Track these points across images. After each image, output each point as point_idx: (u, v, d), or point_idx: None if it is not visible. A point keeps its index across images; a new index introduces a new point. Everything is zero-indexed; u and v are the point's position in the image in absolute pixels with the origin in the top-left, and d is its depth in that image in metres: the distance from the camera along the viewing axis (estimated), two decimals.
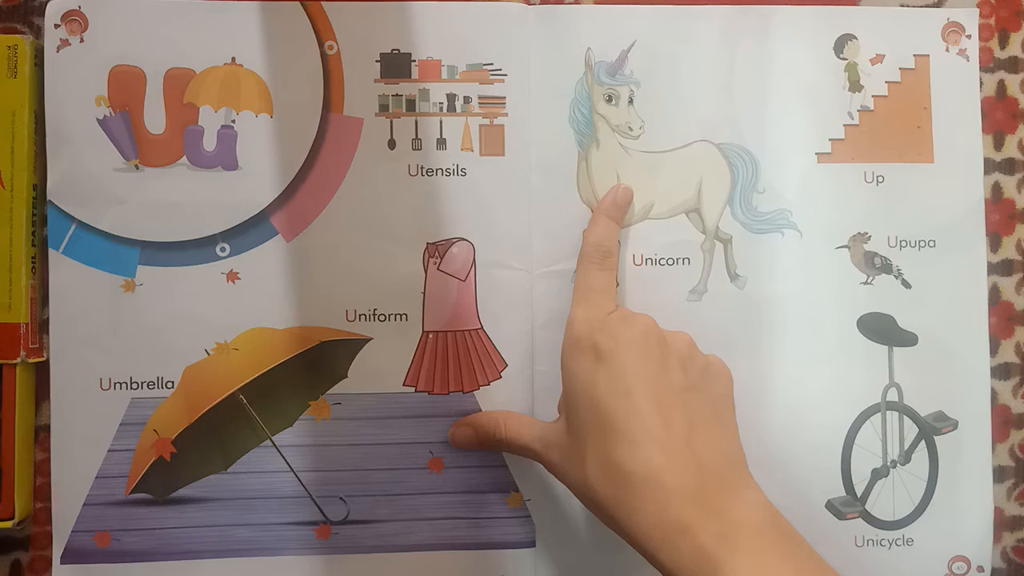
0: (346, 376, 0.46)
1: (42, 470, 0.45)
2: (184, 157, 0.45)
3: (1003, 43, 0.48)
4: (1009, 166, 0.48)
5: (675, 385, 0.40)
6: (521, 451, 0.43)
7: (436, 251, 0.46)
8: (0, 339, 0.43)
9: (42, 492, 0.45)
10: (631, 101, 0.46)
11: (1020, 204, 0.49)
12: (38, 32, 0.45)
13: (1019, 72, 0.49)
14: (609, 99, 0.46)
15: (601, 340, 0.40)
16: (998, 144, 0.48)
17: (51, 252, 0.45)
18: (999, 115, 0.48)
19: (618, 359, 0.39)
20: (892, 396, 0.47)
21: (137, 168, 0.45)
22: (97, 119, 0.45)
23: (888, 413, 0.47)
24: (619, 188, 0.46)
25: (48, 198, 0.45)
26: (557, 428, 0.41)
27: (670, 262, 0.47)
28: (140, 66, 0.45)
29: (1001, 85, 0.48)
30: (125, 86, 0.45)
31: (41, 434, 0.45)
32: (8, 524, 0.43)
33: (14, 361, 0.43)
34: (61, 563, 0.44)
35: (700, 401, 0.40)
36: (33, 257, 0.44)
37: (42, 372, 0.45)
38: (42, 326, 0.45)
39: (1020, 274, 0.48)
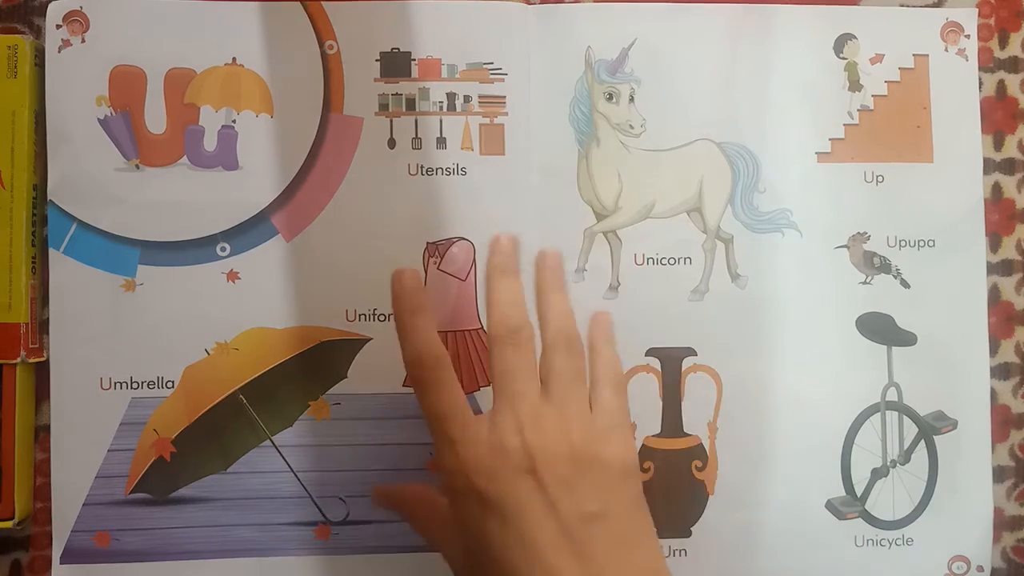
0: (346, 376, 0.46)
1: (42, 470, 0.45)
2: (185, 157, 0.45)
3: (1003, 43, 0.48)
4: (1009, 166, 0.48)
5: (568, 520, 0.36)
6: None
7: (436, 251, 0.46)
8: (0, 339, 0.43)
9: (42, 492, 0.45)
10: (632, 99, 0.46)
11: (1020, 204, 0.49)
12: (38, 32, 0.45)
13: (1019, 72, 0.49)
14: (610, 97, 0.46)
15: (483, 484, 0.36)
16: (998, 144, 0.48)
17: (51, 252, 0.45)
18: (999, 115, 0.48)
19: (503, 507, 0.36)
20: (892, 396, 0.47)
21: (138, 168, 0.45)
22: (98, 119, 0.45)
23: (888, 413, 0.47)
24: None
25: (49, 198, 0.45)
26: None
27: (671, 261, 0.47)
28: (141, 66, 0.45)
29: (1001, 85, 0.48)
30: (126, 86, 0.45)
31: (41, 434, 0.45)
32: (8, 524, 0.43)
33: (14, 361, 0.43)
34: (61, 563, 0.44)
35: (599, 529, 0.36)
36: (33, 257, 0.44)
37: (42, 372, 0.45)
38: (42, 326, 0.45)
39: (1020, 274, 0.48)
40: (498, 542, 0.36)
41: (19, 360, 0.43)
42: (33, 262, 0.44)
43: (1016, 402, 0.48)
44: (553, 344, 0.39)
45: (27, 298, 0.44)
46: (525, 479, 0.36)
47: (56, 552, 0.44)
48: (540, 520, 0.35)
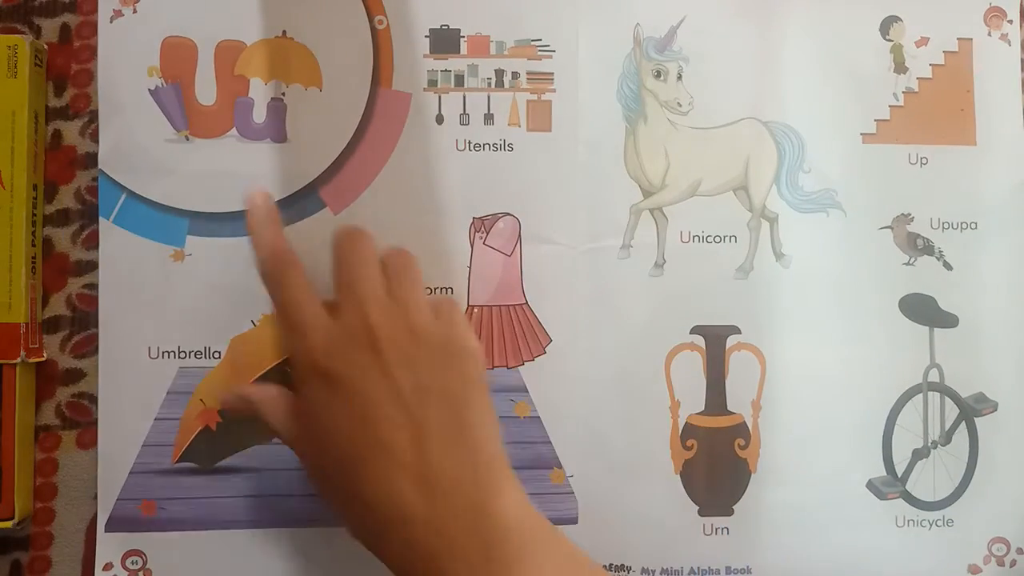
0: None
1: (42, 470, 0.45)
2: (234, 128, 0.45)
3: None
4: None
5: (404, 393, 0.37)
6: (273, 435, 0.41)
7: (482, 226, 0.46)
8: (0, 339, 0.43)
9: (42, 492, 0.45)
10: (680, 77, 0.47)
11: None
12: (38, 32, 0.46)
13: None
14: (658, 75, 0.46)
15: (327, 364, 0.37)
16: None
17: (101, 221, 0.45)
18: None
19: (348, 385, 0.37)
20: (933, 377, 0.47)
21: (187, 139, 0.45)
22: (149, 89, 0.45)
23: (929, 394, 0.47)
24: (256, 195, 0.42)
25: (99, 167, 0.45)
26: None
27: (717, 240, 0.47)
28: (192, 38, 0.45)
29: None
30: (177, 57, 0.45)
31: (41, 434, 0.45)
32: (8, 524, 0.43)
33: (14, 361, 0.43)
34: (106, 531, 0.45)
35: (435, 404, 0.37)
36: (33, 257, 0.44)
37: (42, 372, 0.45)
38: (42, 326, 0.45)
39: None
40: (343, 423, 0.37)
41: (19, 360, 0.43)
42: (33, 262, 0.44)
43: None
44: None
45: (27, 298, 0.44)
46: (365, 353, 0.37)
47: (101, 520, 0.45)
48: (378, 394, 0.37)
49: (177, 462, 0.45)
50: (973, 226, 0.48)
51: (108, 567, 0.44)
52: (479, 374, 0.39)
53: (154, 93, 0.45)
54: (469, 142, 0.46)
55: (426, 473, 0.36)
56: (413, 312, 0.39)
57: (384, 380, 0.37)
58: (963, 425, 0.47)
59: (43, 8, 0.46)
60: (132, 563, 0.45)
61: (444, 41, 0.46)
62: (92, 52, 0.45)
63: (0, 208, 0.43)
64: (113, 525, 0.45)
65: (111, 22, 0.45)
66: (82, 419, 0.45)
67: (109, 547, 0.45)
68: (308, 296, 0.39)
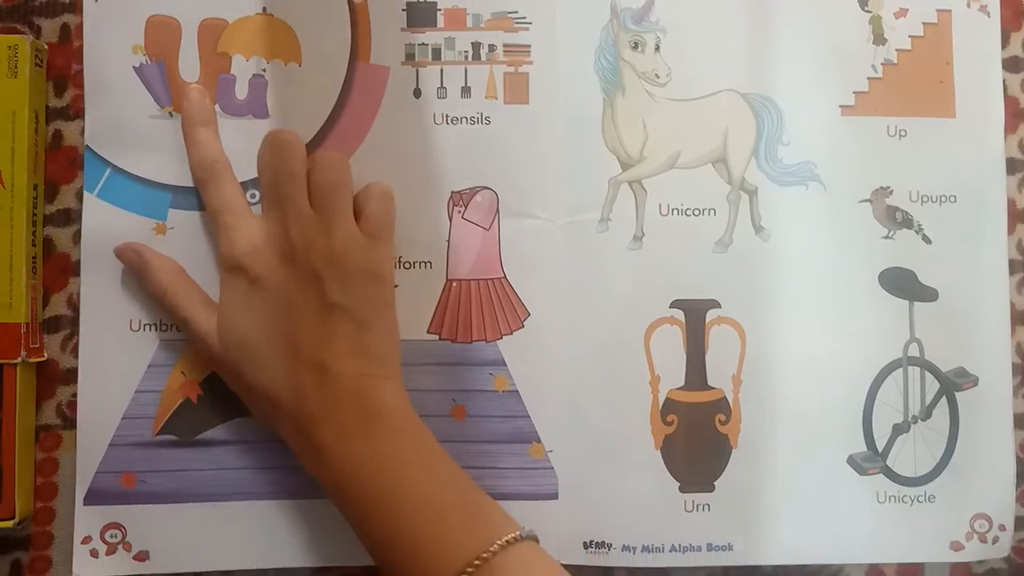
0: None
1: (42, 470, 0.45)
2: (216, 105, 0.46)
3: (1004, 42, 0.48)
4: (1010, 166, 0.48)
5: (312, 307, 0.41)
6: (180, 323, 0.45)
7: (460, 200, 0.46)
8: (0, 339, 0.43)
9: (42, 492, 0.45)
10: (657, 48, 0.47)
11: (1020, 204, 0.48)
12: (38, 32, 0.46)
13: (1019, 72, 0.48)
14: (635, 46, 0.47)
15: (247, 264, 0.42)
16: None
17: (86, 195, 0.45)
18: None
19: (265, 285, 0.41)
20: (913, 351, 0.47)
21: (171, 115, 0.46)
22: (133, 67, 0.46)
23: (910, 368, 0.47)
24: (191, 89, 0.45)
25: (85, 143, 0.45)
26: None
27: (696, 213, 0.47)
28: (175, 16, 0.46)
29: (1003, 85, 0.48)
30: (161, 35, 0.46)
31: (41, 434, 0.45)
32: (8, 524, 0.43)
33: (14, 361, 0.43)
34: (85, 504, 0.45)
35: (340, 320, 0.41)
36: (33, 257, 0.45)
37: (43, 372, 0.45)
38: (42, 326, 0.45)
39: (1021, 274, 0.48)
40: (256, 318, 0.41)
41: (19, 360, 0.43)
42: (33, 262, 0.45)
43: (1017, 401, 0.48)
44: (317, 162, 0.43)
45: (27, 298, 0.44)
46: (284, 264, 0.41)
47: (80, 493, 0.45)
48: (291, 298, 0.41)
49: (157, 435, 0.45)
50: (952, 199, 0.47)
51: (87, 540, 0.45)
52: (385, 298, 0.43)
53: (139, 70, 0.46)
54: (447, 116, 0.46)
55: (324, 371, 0.40)
56: (335, 234, 0.41)
57: (299, 291, 0.41)
58: (944, 400, 0.47)
59: (43, 8, 0.46)
60: (111, 536, 0.45)
61: (421, 14, 0.47)
62: None
63: (0, 208, 0.44)
64: (92, 498, 0.45)
65: (96, 1, 0.46)
66: None
67: (88, 520, 0.45)
68: (239, 200, 0.44)
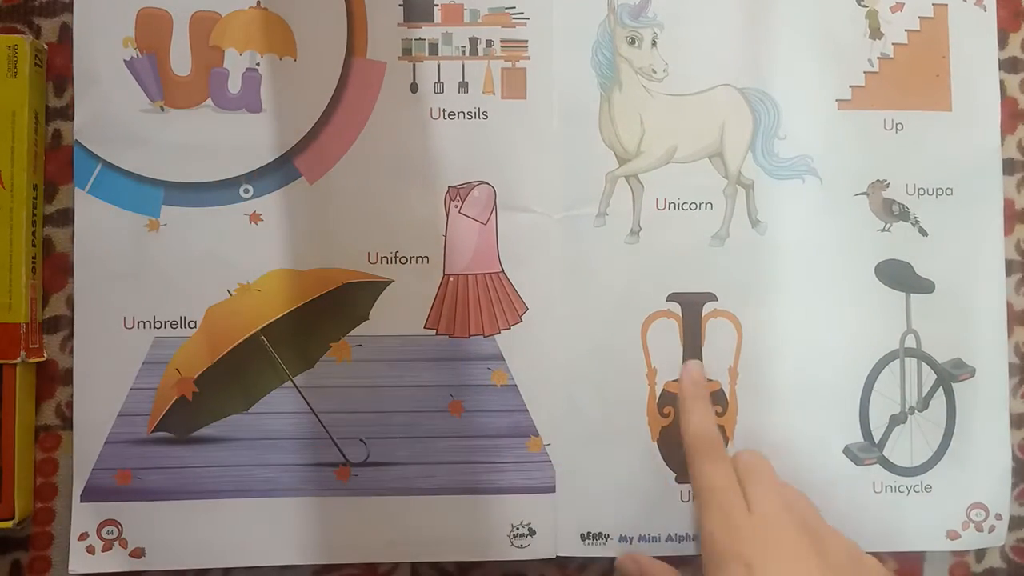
0: (367, 318, 0.46)
1: (42, 470, 0.45)
2: (209, 99, 0.46)
3: (1003, 43, 0.48)
4: (1008, 166, 0.48)
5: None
6: None
7: (457, 194, 0.46)
8: (0, 339, 0.43)
9: (42, 492, 0.45)
10: (654, 43, 0.47)
11: (1020, 204, 0.49)
12: (38, 32, 0.46)
13: (1019, 72, 0.49)
14: (632, 41, 0.46)
15: (748, 551, 0.39)
16: None
17: (77, 191, 0.45)
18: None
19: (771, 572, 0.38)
20: (910, 343, 0.47)
21: (162, 109, 0.45)
22: (124, 60, 0.45)
23: (906, 359, 0.47)
24: (689, 366, 0.46)
25: (75, 138, 0.45)
26: None
27: (693, 207, 0.47)
28: (167, 8, 0.45)
29: (1001, 86, 0.48)
30: (152, 28, 0.45)
31: (41, 434, 0.45)
32: (8, 524, 0.43)
33: (14, 361, 0.43)
34: (81, 501, 0.45)
35: None
36: (33, 257, 0.44)
37: (42, 372, 0.45)
38: (42, 326, 0.45)
39: (1020, 274, 0.48)
40: None
41: (19, 360, 0.43)
42: (33, 262, 0.44)
43: (1016, 402, 0.48)
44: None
45: (27, 298, 0.44)
46: (784, 545, 0.40)
47: (76, 490, 0.45)
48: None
49: (153, 432, 0.45)
50: (949, 192, 0.48)
51: (83, 537, 0.45)
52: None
53: (129, 64, 0.45)
54: (444, 110, 0.46)
55: None
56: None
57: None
58: (940, 391, 0.47)
59: (43, 8, 0.46)
60: (107, 532, 0.45)
61: (418, 9, 0.46)
62: None
63: (0, 208, 0.43)
64: (88, 495, 0.45)
65: None
66: None
67: (85, 517, 0.45)
68: (731, 481, 0.42)
